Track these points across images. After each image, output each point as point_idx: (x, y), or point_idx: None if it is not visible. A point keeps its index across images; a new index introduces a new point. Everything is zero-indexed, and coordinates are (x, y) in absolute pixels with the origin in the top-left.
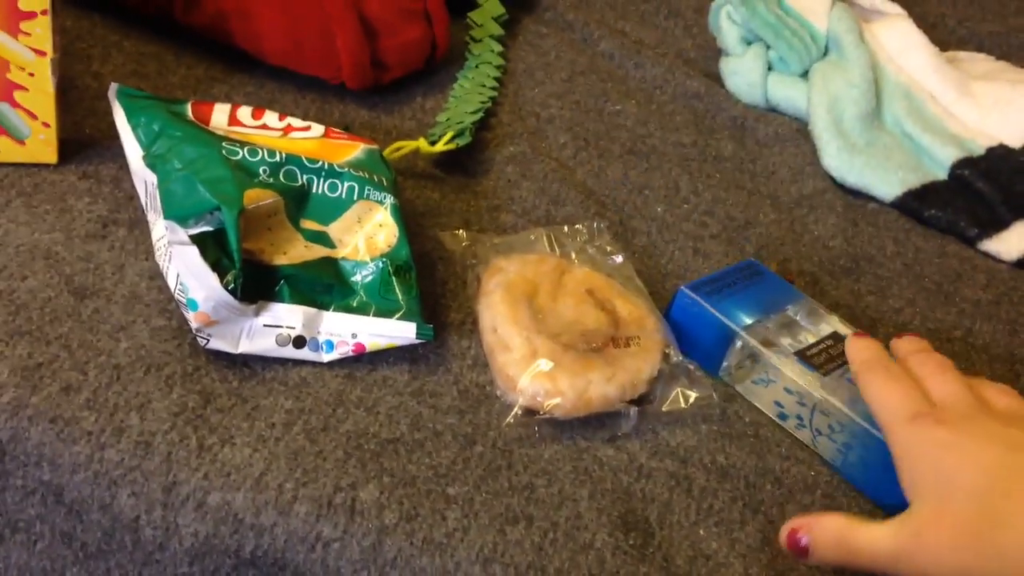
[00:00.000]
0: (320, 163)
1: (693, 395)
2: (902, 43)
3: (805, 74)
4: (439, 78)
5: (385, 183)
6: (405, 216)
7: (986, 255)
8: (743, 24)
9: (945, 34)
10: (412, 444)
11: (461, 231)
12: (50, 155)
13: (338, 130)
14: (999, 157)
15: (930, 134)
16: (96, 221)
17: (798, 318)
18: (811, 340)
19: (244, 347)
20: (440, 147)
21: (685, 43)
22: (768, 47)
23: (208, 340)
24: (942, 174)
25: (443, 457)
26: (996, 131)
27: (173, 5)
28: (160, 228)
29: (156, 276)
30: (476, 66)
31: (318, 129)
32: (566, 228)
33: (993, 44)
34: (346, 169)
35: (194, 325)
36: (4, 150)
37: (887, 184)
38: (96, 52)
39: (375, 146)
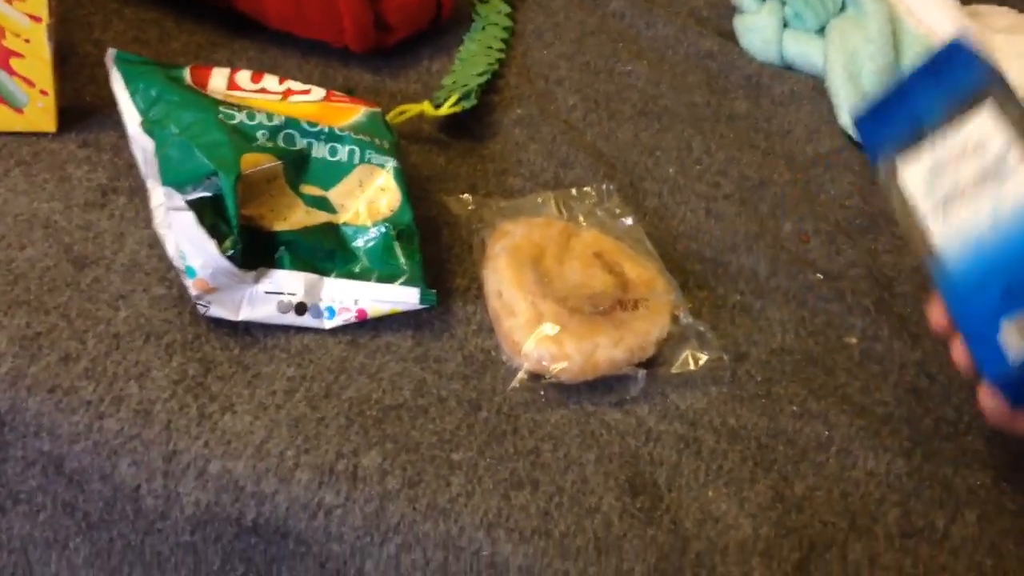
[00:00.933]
0: (320, 127)
1: (704, 357)
2: None
3: (821, 30)
4: (445, 40)
5: (387, 146)
6: (409, 180)
7: None
8: None
9: None
10: (416, 410)
11: (467, 195)
12: (49, 123)
13: (339, 93)
14: None
15: None
16: (96, 189)
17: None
18: None
19: (245, 314)
20: (445, 110)
21: (698, 1)
22: (783, 3)
23: (208, 307)
24: None
25: (447, 423)
26: (1019, 86)
27: None
28: (158, 195)
29: (156, 244)
30: (483, 27)
31: (319, 92)
32: (574, 191)
33: None
34: (347, 133)
35: (193, 292)
36: (2, 118)
37: None
38: (97, 19)
39: (377, 109)
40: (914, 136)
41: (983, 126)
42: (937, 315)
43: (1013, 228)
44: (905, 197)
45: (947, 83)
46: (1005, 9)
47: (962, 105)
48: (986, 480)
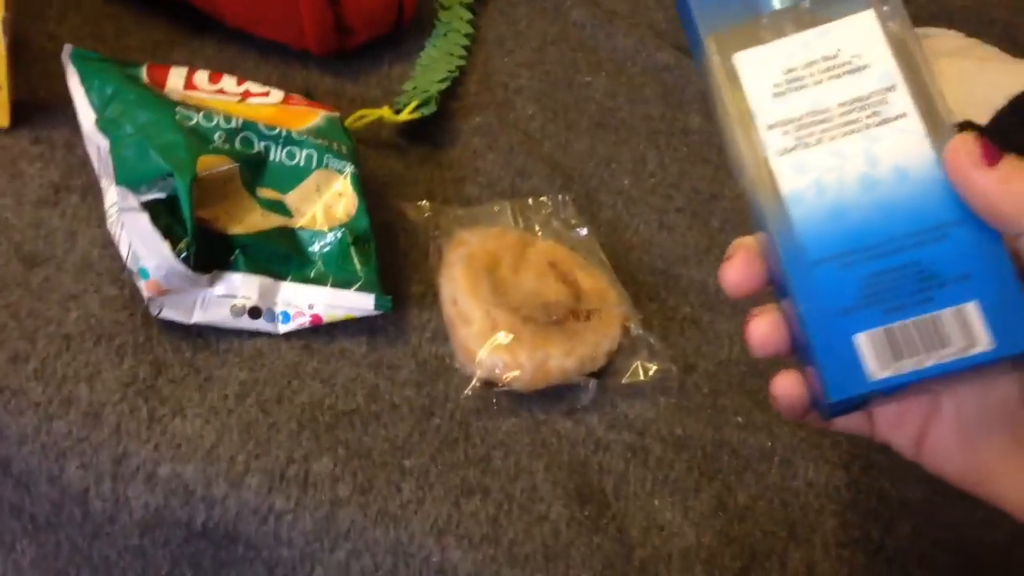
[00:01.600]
0: (278, 130)
1: (653, 368)
2: None
3: None
4: (406, 46)
5: (345, 151)
6: (366, 186)
7: None
8: None
9: (916, 8)
10: (368, 416)
11: (424, 202)
12: (2, 118)
13: (298, 97)
14: None
15: None
16: (48, 187)
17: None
18: None
19: (198, 317)
20: (404, 116)
21: (657, 15)
22: None
23: (160, 310)
24: None
25: (399, 429)
26: (962, 108)
27: None
28: (112, 194)
29: (108, 244)
30: (444, 34)
31: (277, 95)
32: (531, 201)
33: (962, 20)
34: (305, 136)
35: (146, 294)
36: None
37: None
38: (52, 12)
39: (336, 113)
40: (756, 12)
41: (860, 39)
42: (745, 273)
43: (890, 199)
44: (742, 97)
45: None
46: (952, 32)
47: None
48: (919, 493)
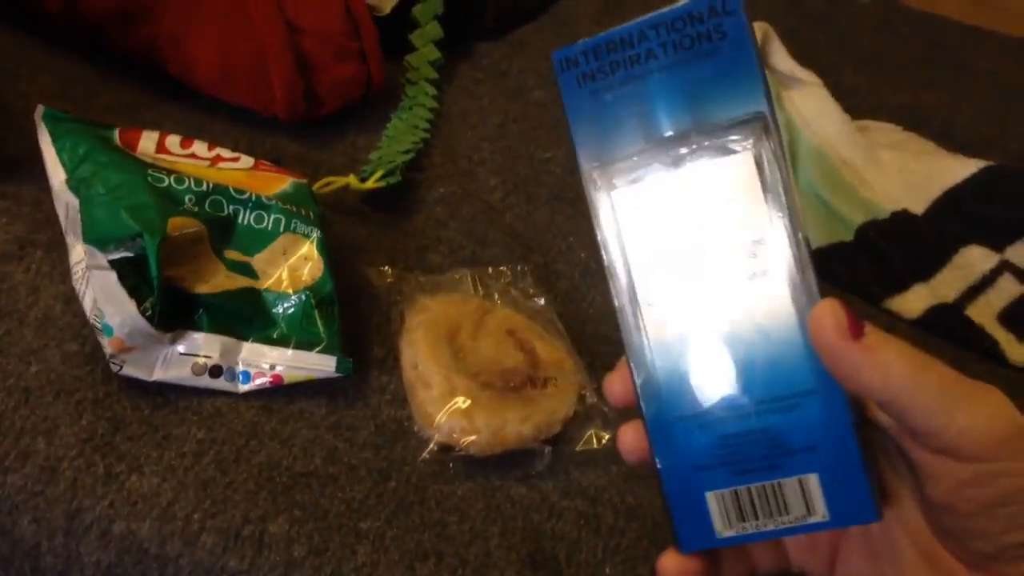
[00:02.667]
0: (247, 194)
1: (606, 436)
2: (817, 109)
3: None
4: (373, 117)
5: (312, 217)
6: (331, 251)
7: (888, 312)
8: None
9: (858, 102)
10: (326, 478)
11: (387, 268)
12: None
13: (267, 163)
14: (902, 220)
15: (840, 197)
16: (13, 242)
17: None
18: None
19: (159, 375)
20: (370, 184)
21: None
22: None
23: (121, 367)
24: (849, 235)
25: (356, 491)
26: (901, 197)
27: (105, 28)
28: (78, 251)
29: (71, 300)
30: (410, 107)
31: (247, 161)
32: (491, 270)
33: (902, 115)
34: (274, 202)
35: (108, 351)
36: None
37: None
38: (23, 71)
39: (304, 180)
40: (639, 142)
41: (736, 183)
42: (626, 388)
43: (750, 360)
44: (616, 233)
45: (705, 66)
46: (891, 126)
47: (715, 110)
48: None
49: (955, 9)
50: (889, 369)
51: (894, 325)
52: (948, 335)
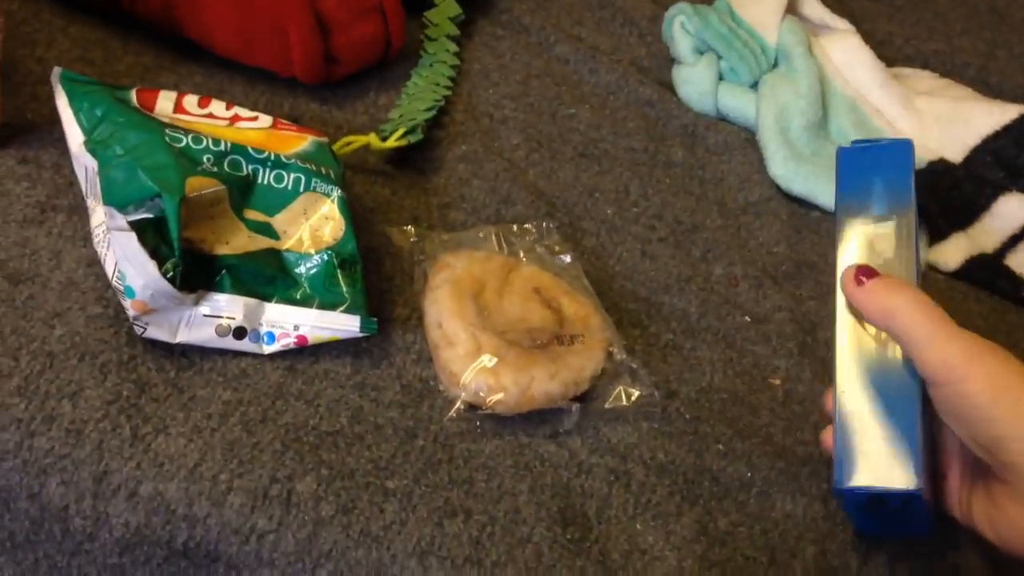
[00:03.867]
0: (266, 153)
1: (635, 393)
2: (849, 57)
3: (755, 85)
4: (393, 75)
5: (333, 176)
6: (353, 210)
7: (927, 264)
8: (696, 34)
9: (892, 51)
10: (352, 437)
11: (410, 227)
12: None
13: (286, 122)
14: (940, 171)
15: None
16: (34, 206)
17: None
18: None
19: (183, 337)
20: (391, 143)
21: (639, 51)
22: (720, 57)
23: (145, 329)
24: None
25: (383, 450)
26: (937, 146)
27: None
28: (99, 214)
29: (94, 263)
30: (431, 64)
31: (266, 120)
32: (515, 227)
33: (938, 62)
34: (293, 160)
35: (131, 313)
36: None
37: (831, 193)
38: (41, 37)
39: (324, 138)
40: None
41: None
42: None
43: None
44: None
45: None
46: (927, 73)
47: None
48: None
49: None
50: (884, 303)
51: (931, 278)
52: (988, 285)
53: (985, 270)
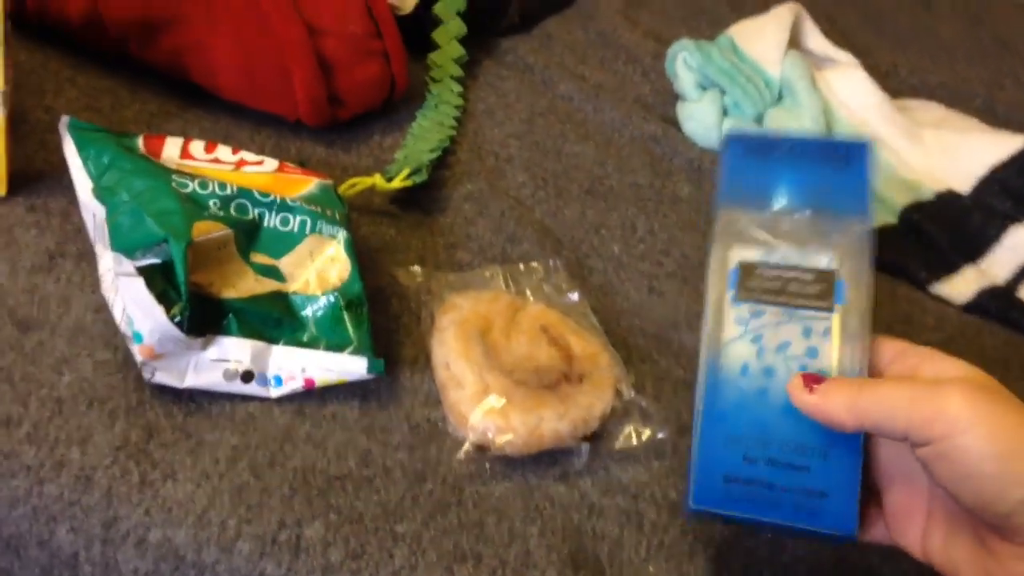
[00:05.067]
0: (272, 197)
1: (646, 432)
2: (854, 90)
3: (759, 119)
4: (398, 117)
5: (338, 217)
6: (359, 251)
7: (936, 298)
8: (699, 70)
9: (897, 83)
10: (360, 480)
11: (416, 267)
12: None
13: (292, 165)
14: (948, 203)
15: (881, 180)
16: (43, 254)
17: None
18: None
19: (190, 381)
20: (396, 184)
21: (643, 88)
22: (723, 92)
23: (153, 374)
24: (892, 219)
25: (392, 494)
26: (945, 177)
27: (128, 40)
28: (107, 260)
29: (102, 309)
30: (435, 105)
31: (272, 163)
32: (522, 266)
33: (944, 93)
34: (299, 203)
35: (139, 358)
36: None
37: None
38: (49, 86)
39: (328, 181)
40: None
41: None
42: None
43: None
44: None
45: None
46: (932, 104)
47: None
48: (908, 566)
49: None
50: (840, 403)
51: (943, 311)
52: (1000, 318)
53: (997, 302)
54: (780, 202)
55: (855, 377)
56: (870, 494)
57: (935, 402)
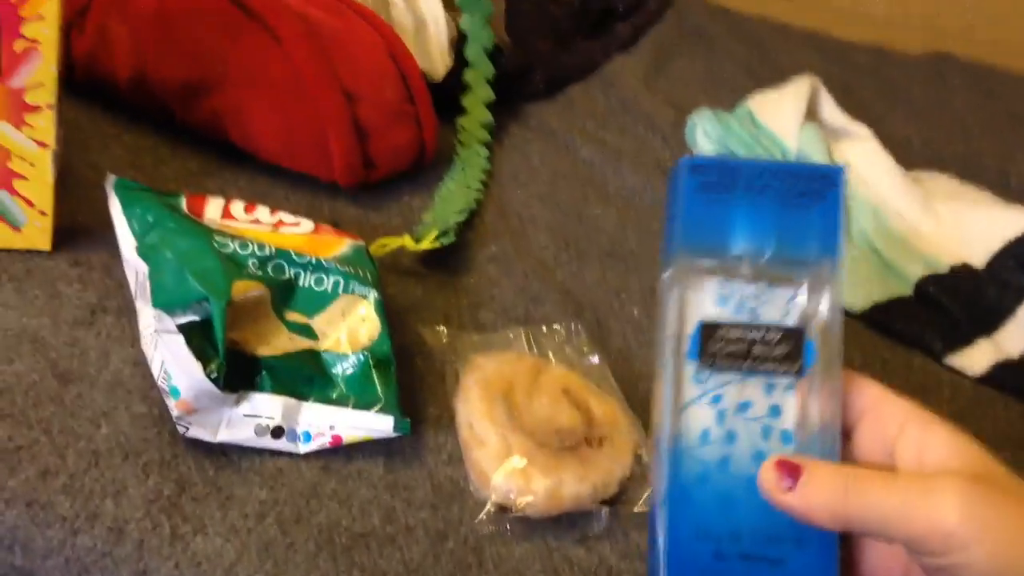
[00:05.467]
0: (308, 257)
1: None
2: (869, 162)
3: None
4: (427, 179)
5: (370, 278)
6: (388, 311)
7: (951, 369)
8: (718, 141)
9: (911, 154)
10: (384, 538)
11: (441, 327)
12: (44, 242)
13: (327, 226)
14: (962, 276)
15: (896, 251)
16: (85, 308)
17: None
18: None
19: (223, 436)
20: (425, 245)
21: (663, 153)
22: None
23: (188, 428)
24: (908, 290)
25: (414, 552)
26: (958, 249)
27: (173, 102)
28: (147, 316)
29: (140, 363)
30: (463, 168)
31: (308, 224)
32: (544, 328)
33: (956, 165)
34: (333, 264)
35: (175, 413)
36: (0, 236)
37: (854, 297)
38: (95, 143)
39: (361, 242)
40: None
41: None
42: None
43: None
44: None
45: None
46: (945, 176)
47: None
48: None
49: (1007, 58)
50: (822, 505)
51: (958, 382)
52: (1015, 392)
53: (1013, 375)
54: (742, 244)
55: (834, 465)
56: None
57: (930, 512)
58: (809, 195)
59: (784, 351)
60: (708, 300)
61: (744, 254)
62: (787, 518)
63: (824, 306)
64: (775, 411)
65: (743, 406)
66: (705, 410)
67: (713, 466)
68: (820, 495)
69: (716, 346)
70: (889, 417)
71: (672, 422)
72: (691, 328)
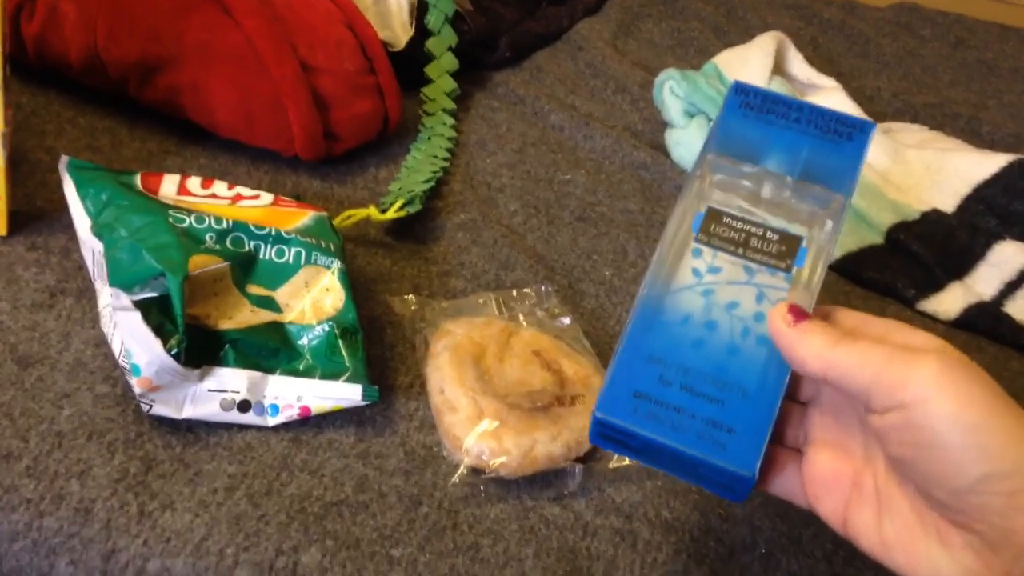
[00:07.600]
0: (267, 229)
1: None
2: None
3: None
4: (392, 149)
5: (332, 248)
6: (354, 281)
7: (924, 315)
8: (685, 98)
9: (882, 106)
10: (356, 506)
11: (410, 296)
12: None
13: (287, 198)
14: (933, 221)
15: (867, 200)
16: (43, 291)
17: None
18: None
19: (188, 412)
20: (390, 215)
21: (632, 116)
22: (709, 119)
23: (151, 406)
24: (879, 238)
25: (388, 519)
26: (929, 196)
27: (127, 81)
28: (106, 296)
29: (102, 344)
30: (428, 138)
31: (267, 197)
32: (515, 292)
33: (928, 115)
34: (293, 235)
35: (137, 391)
36: None
37: None
38: (50, 127)
39: (323, 213)
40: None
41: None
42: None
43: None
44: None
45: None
46: (916, 126)
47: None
48: None
49: (977, 8)
50: (815, 345)
51: (931, 328)
52: (988, 333)
53: (985, 318)
54: (768, 161)
55: (843, 337)
56: (789, 451)
57: (910, 366)
58: (839, 138)
59: (779, 249)
60: (723, 195)
61: (768, 170)
62: (741, 371)
63: (826, 230)
64: (759, 317)
65: (731, 304)
66: (695, 298)
67: (685, 341)
68: (814, 337)
69: (717, 228)
70: (877, 327)
71: (658, 294)
72: (702, 209)
